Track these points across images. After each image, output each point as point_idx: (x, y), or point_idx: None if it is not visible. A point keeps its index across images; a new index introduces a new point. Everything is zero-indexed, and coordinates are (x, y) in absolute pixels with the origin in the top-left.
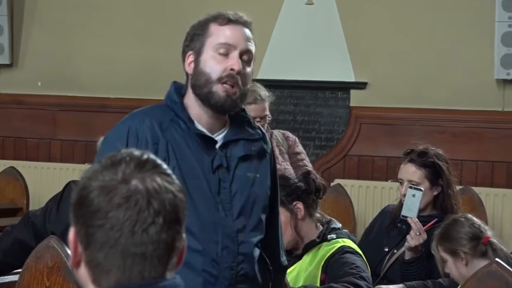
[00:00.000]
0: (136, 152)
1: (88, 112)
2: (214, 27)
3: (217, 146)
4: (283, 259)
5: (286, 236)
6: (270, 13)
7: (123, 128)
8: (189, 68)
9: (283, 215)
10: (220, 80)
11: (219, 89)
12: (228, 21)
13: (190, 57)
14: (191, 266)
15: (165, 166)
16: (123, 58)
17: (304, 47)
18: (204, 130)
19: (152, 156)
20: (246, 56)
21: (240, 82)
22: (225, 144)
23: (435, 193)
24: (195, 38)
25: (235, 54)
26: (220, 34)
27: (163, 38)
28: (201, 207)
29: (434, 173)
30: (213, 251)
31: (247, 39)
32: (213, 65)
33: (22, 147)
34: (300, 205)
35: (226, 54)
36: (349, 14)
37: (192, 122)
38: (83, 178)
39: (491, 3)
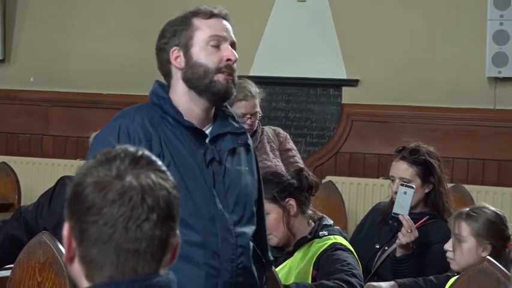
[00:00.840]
0: (131, 148)
1: (80, 108)
2: (199, 21)
3: (207, 140)
4: (270, 254)
5: (279, 232)
6: (262, 10)
7: (114, 127)
8: (178, 63)
9: (276, 211)
10: (219, 70)
11: (220, 78)
12: (211, 14)
13: (175, 53)
14: (192, 259)
15: (159, 163)
16: (116, 54)
17: (296, 44)
18: (194, 125)
19: (147, 152)
20: (232, 46)
21: (235, 69)
22: (214, 138)
23: (426, 191)
24: (178, 34)
25: (227, 45)
26: (208, 27)
27: (156, 34)
28: (199, 201)
29: (426, 171)
30: (213, 243)
31: (230, 31)
32: (208, 56)
33: (14, 142)
34: (292, 202)
35: (217, 46)
36: (341, 11)
37: (181, 115)
38: (78, 174)
39: (483, 1)
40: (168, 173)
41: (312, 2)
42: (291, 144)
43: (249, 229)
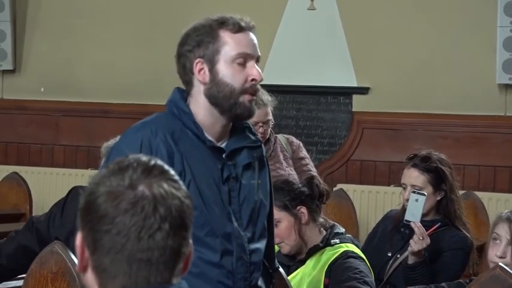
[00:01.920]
0: (144, 158)
1: (90, 117)
2: (226, 35)
3: (224, 155)
4: (276, 261)
5: (290, 240)
6: (272, 18)
7: (136, 139)
8: (202, 77)
9: (287, 219)
10: (244, 91)
11: (245, 99)
12: (239, 27)
13: (199, 65)
14: (207, 277)
15: (172, 172)
16: (125, 64)
17: (307, 52)
18: (213, 140)
19: (159, 162)
20: (258, 63)
21: (259, 89)
22: (230, 152)
23: (438, 198)
24: (203, 45)
25: (253, 64)
26: (235, 43)
27: (165, 43)
28: (216, 220)
29: (438, 178)
30: (228, 262)
31: (257, 46)
32: (234, 75)
33: (25, 152)
34: (303, 210)
35: (243, 64)
36: (351, 19)
37: (202, 131)
38: (91, 183)
39: (493, 8)
40: (181, 182)
41: (322, 11)
42: (304, 153)
43: (262, 244)
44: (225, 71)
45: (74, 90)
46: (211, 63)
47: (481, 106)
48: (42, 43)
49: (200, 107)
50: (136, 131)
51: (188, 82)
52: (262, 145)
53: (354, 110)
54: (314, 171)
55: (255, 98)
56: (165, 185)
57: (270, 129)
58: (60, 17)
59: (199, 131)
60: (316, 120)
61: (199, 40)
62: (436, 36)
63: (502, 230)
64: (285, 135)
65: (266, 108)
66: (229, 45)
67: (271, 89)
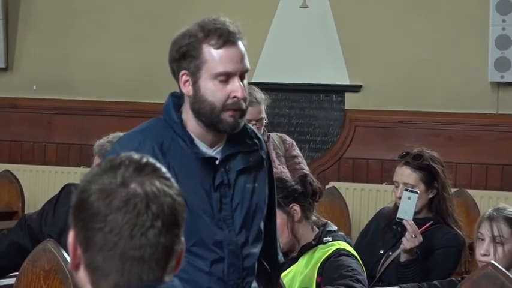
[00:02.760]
0: (136, 156)
1: (83, 115)
2: (209, 52)
3: (217, 162)
4: (280, 256)
5: (283, 238)
6: (264, 16)
7: (126, 148)
8: (186, 89)
9: (280, 217)
10: (225, 107)
11: (226, 116)
12: (224, 42)
13: (184, 77)
14: (197, 284)
15: (164, 170)
16: (118, 62)
17: (299, 50)
18: (205, 147)
19: (151, 160)
20: (243, 75)
21: (243, 104)
22: (224, 158)
23: (430, 196)
24: (188, 58)
25: (235, 80)
26: (218, 61)
27: (158, 42)
28: (205, 228)
29: (430, 176)
30: (219, 270)
31: (243, 57)
32: (215, 92)
33: (17, 150)
34: (296, 207)
35: (225, 81)
36: (344, 17)
37: (193, 141)
38: (83, 181)
39: (485, 6)
40: (173, 180)
41: (314, 8)
42: (296, 151)
43: (256, 248)
44: (207, 87)
45: (66, 88)
46: (194, 78)
47: (473, 104)
48: (35, 41)
49: (189, 117)
50: (127, 140)
51: (180, 89)
52: (264, 146)
53: (346, 108)
54: (307, 170)
55: (239, 112)
56: (157, 183)
57: (263, 127)
58: (52, 15)
59: (188, 140)
60: (309, 118)
61: (184, 52)
62: (429, 35)
63: (484, 229)
64: (278, 134)
65: (259, 106)
66: (211, 62)
67: (264, 87)
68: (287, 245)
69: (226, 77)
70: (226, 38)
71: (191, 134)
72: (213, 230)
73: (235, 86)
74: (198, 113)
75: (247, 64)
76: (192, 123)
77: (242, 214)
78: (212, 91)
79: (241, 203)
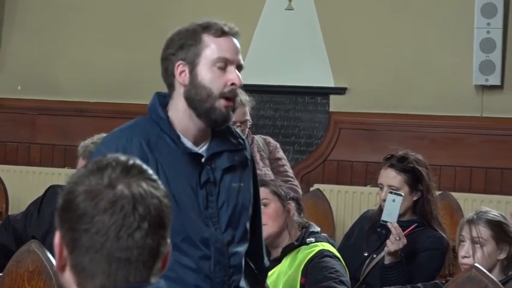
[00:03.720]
0: (123, 158)
1: (67, 116)
2: (208, 39)
3: (203, 159)
4: (266, 260)
5: (274, 225)
6: (250, 18)
7: (112, 146)
8: (182, 79)
9: (277, 204)
10: (222, 95)
11: (221, 105)
12: (222, 32)
13: (180, 67)
14: (184, 282)
15: (150, 171)
16: (103, 62)
17: (284, 52)
18: (190, 144)
19: (138, 161)
20: (238, 69)
21: (237, 93)
22: (210, 156)
23: (415, 198)
24: (185, 48)
25: (233, 69)
26: (217, 47)
27: (143, 43)
28: (192, 225)
29: (414, 179)
30: (206, 267)
31: (239, 52)
32: (213, 79)
33: (1, 151)
34: (291, 205)
35: (223, 68)
36: (329, 20)
37: (179, 138)
38: (69, 182)
39: (470, 9)
40: (159, 182)
41: (299, 11)
42: (280, 154)
43: (243, 247)
44: (205, 74)
45: (50, 89)
46: (192, 65)
47: (458, 107)
48: (20, 41)
49: (179, 110)
50: (114, 137)
51: (170, 85)
52: (248, 147)
53: (331, 110)
54: (290, 172)
55: (232, 104)
56: (144, 185)
57: (247, 129)
58: (37, 15)
59: (175, 136)
60: (293, 120)
61: (182, 43)
62: (414, 37)
63: (465, 231)
64: (262, 136)
65: (244, 108)
66: (211, 48)
67: (249, 88)
68: (273, 234)
69: (224, 64)
70: (225, 30)
71: (177, 131)
72: (200, 227)
73: (233, 74)
74: (192, 100)
75: (242, 61)
76: (178, 121)
77: (228, 212)
78: (210, 77)
79: (227, 202)
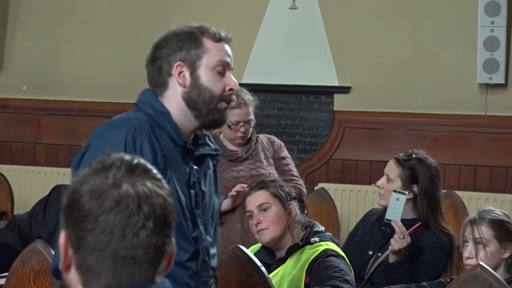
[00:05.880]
0: (127, 157)
1: (73, 116)
2: (209, 43)
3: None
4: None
5: (276, 228)
6: (253, 17)
7: (119, 136)
8: (182, 80)
9: (278, 207)
10: (222, 98)
11: (222, 107)
12: (220, 37)
13: (179, 68)
14: (174, 277)
15: (155, 171)
16: (108, 62)
17: (288, 51)
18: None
19: (142, 160)
20: (232, 73)
21: (233, 100)
22: (195, 158)
23: (408, 197)
24: (185, 49)
25: (230, 74)
26: (217, 51)
27: (147, 42)
28: (186, 222)
29: (411, 177)
30: (194, 264)
31: (231, 57)
32: (215, 82)
33: (6, 151)
34: (293, 206)
35: (222, 73)
36: (333, 19)
37: (180, 134)
38: (74, 182)
39: (474, 8)
40: (164, 181)
41: (303, 10)
42: (285, 153)
43: (216, 249)
44: (206, 77)
45: (55, 89)
46: (193, 68)
47: (462, 105)
48: (24, 41)
49: (174, 109)
50: (119, 126)
51: (162, 84)
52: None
53: (335, 109)
54: (295, 171)
55: (228, 106)
56: (149, 184)
57: (251, 128)
58: (41, 16)
59: (176, 131)
60: (298, 120)
61: (181, 45)
62: (418, 36)
63: (467, 232)
64: (267, 135)
65: (247, 108)
66: (211, 52)
67: (253, 88)
68: (276, 238)
69: (223, 69)
70: (222, 36)
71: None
72: (191, 226)
73: (232, 80)
74: (194, 102)
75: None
76: (175, 119)
77: (208, 216)
78: (212, 80)
79: (208, 204)
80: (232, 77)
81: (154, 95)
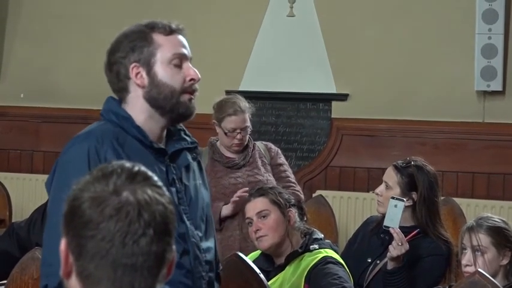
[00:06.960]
0: (128, 164)
1: (71, 124)
2: (160, 38)
3: (166, 157)
4: (220, 266)
5: (275, 235)
6: (251, 25)
7: (82, 149)
8: (140, 80)
9: (277, 213)
10: (183, 90)
11: (185, 99)
12: (170, 30)
13: (135, 69)
14: (169, 279)
15: (155, 178)
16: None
17: (286, 58)
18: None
19: (143, 168)
20: (191, 62)
21: (196, 90)
22: (171, 155)
23: (406, 204)
24: (137, 50)
25: (189, 65)
26: (170, 45)
27: None
28: None
29: (410, 184)
30: (187, 262)
31: (188, 47)
32: (173, 76)
33: (4, 158)
34: (292, 213)
35: (179, 65)
36: (330, 26)
37: (145, 136)
38: (74, 189)
39: (472, 15)
40: (164, 189)
41: (301, 17)
42: (282, 159)
43: (212, 243)
44: (163, 72)
45: (53, 96)
46: (148, 66)
47: (460, 113)
48: (22, 49)
49: (138, 111)
50: (81, 141)
51: (123, 89)
52: (198, 146)
53: (333, 116)
54: (292, 178)
55: (193, 96)
56: (149, 191)
57: (248, 135)
58: (40, 23)
59: (141, 134)
60: (296, 127)
61: (133, 45)
62: (415, 43)
63: (465, 239)
64: (264, 142)
65: (244, 115)
66: (164, 47)
67: (251, 95)
68: (275, 245)
69: (179, 61)
70: (173, 28)
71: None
72: (177, 222)
73: (190, 70)
74: (156, 100)
75: (191, 54)
76: (139, 119)
77: (197, 209)
78: (170, 75)
79: (195, 199)
80: (190, 66)
81: (117, 101)
